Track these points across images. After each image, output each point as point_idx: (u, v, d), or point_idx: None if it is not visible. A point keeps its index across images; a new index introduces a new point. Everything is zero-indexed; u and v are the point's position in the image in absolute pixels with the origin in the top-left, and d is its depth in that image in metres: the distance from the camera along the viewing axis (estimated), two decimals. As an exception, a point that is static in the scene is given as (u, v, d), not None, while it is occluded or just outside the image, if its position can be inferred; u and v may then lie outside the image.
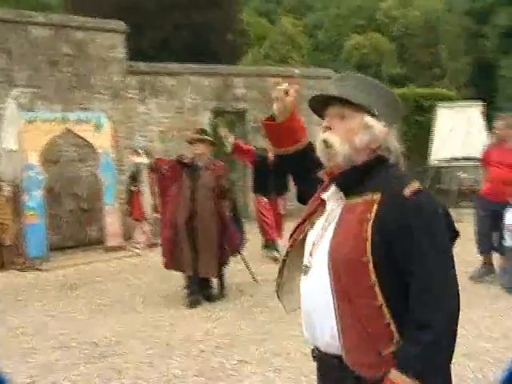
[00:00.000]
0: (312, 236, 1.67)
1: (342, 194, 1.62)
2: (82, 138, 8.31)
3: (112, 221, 8.48)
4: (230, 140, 6.87)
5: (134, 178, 8.51)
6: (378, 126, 1.60)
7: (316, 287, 1.60)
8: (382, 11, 49.69)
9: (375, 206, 1.50)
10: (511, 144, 5.80)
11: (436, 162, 11.03)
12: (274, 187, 7.35)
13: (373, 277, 1.47)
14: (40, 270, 7.40)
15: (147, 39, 19.78)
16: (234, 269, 6.28)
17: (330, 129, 1.63)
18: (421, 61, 40.43)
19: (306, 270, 1.64)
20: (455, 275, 1.51)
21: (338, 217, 1.59)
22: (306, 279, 1.65)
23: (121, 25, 9.26)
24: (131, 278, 6.87)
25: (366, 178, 1.59)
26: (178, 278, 6.60)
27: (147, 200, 8.55)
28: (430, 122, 12.88)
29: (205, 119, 10.20)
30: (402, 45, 39.99)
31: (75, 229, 8.89)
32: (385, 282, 1.48)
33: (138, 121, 9.54)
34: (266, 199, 7.50)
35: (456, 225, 1.63)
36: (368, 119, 1.60)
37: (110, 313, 5.49)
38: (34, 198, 7.75)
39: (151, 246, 8.64)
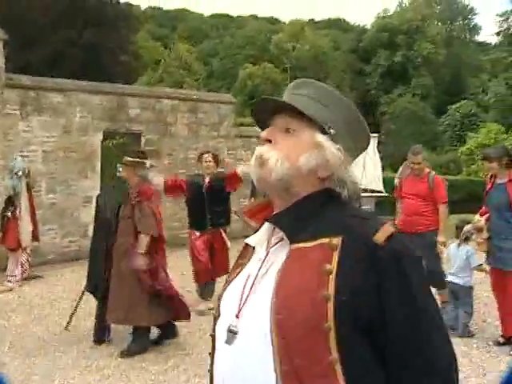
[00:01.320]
0: (235, 289, 1.22)
1: (282, 234, 1.20)
2: None
3: (-19, 251, 7.42)
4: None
5: (11, 202, 7.56)
6: (331, 149, 1.21)
7: (248, 362, 1.13)
8: (274, 43, 51.60)
9: (336, 254, 1.12)
10: (423, 176, 5.77)
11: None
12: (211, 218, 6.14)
13: (334, 351, 1.08)
14: None
15: (37, 55, 18.64)
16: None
17: (270, 142, 1.24)
18: (310, 94, 42.16)
19: (229, 336, 1.17)
20: (448, 335, 1.18)
21: (281, 265, 1.16)
22: (229, 350, 1.17)
23: (-1, 31, 8.32)
24: (-1, 320, 5.93)
25: (316, 215, 1.20)
26: (55, 319, 5.82)
27: (25, 226, 7.61)
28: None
29: (96, 140, 9.42)
30: (294, 77, 41.47)
31: None
32: (350, 357, 1.09)
33: (17, 139, 8.56)
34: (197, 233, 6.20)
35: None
36: (320, 137, 1.22)
37: (-30, 365, 4.60)
38: None
39: (28, 278, 7.68)
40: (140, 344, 4.89)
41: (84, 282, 5.46)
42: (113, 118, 9.57)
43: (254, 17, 68.89)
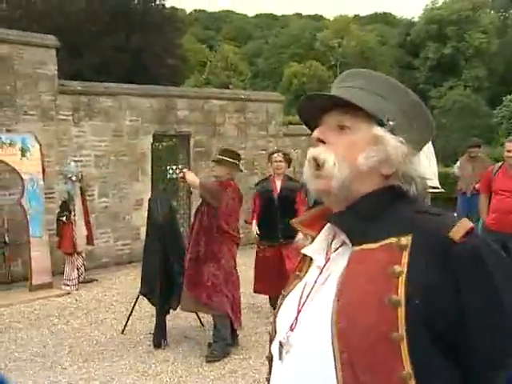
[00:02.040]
0: (291, 303, 1.10)
1: (345, 237, 1.07)
2: (5, 162, 7.38)
3: (39, 255, 7.53)
4: None
5: (66, 207, 7.66)
6: (392, 143, 1.08)
7: (305, 380, 1.00)
8: (320, 40, 51.14)
9: (406, 255, 0.98)
10: None
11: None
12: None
13: (407, 365, 0.93)
14: (-51, 314, 6.37)
15: (85, 62, 19.09)
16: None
17: (324, 143, 1.11)
18: (357, 90, 41.61)
19: (282, 351, 1.05)
20: None
21: (343, 270, 1.03)
22: (284, 367, 1.04)
23: (51, 39, 8.45)
24: (57, 323, 5.97)
25: (381, 214, 1.06)
26: (112, 323, 5.83)
27: (80, 231, 7.70)
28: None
29: (146, 143, 9.47)
30: (340, 73, 41.05)
31: (-4, 264, 7.86)
32: (427, 371, 0.94)
33: (70, 144, 8.69)
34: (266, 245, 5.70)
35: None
36: (379, 131, 1.09)
37: (29, 371, 4.62)
38: None
39: (84, 282, 7.77)
40: (221, 347, 4.78)
41: (138, 286, 5.44)
42: (162, 121, 9.59)
43: (299, 15, 68.56)
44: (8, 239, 7.84)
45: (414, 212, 1.05)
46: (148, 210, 5.32)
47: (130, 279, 7.73)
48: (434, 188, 11.17)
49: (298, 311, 1.05)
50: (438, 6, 49.43)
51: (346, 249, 1.06)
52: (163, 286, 4.88)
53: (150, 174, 9.50)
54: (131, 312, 5.49)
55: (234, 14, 68.86)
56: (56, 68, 8.47)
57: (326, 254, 1.10)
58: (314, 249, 1.14)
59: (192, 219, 5.12)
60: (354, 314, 0.96)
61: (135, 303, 5.48)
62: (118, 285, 7.74)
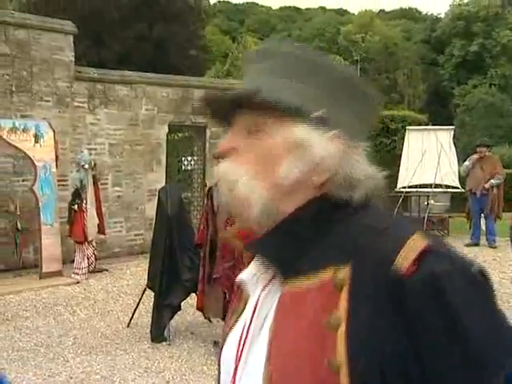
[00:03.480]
0: (231, 348, 0.88)
1: (272, 270, 0.85)
2: (18, 148, 7.32)
3: (50, 242, 7.47)
4: None
5: (78, 195, 7.59)
6: (321, 142, 0.82)
7: None
8: (343, 35, 50.69)
9: (344, 296, 0.74)
10: None
11: (404, 188, 10.47)
12: None
13: None
14: (-42, 299, 6.34)
15: (108, 50, 19.08)
16: (185, 303, 5.40)
17: (234, 151, 0.86)
18: (379, 85, 41.06)
19: None
20: None
21: (273, 318, 0.81)
22: None
23: (68, 24, 8.36)
24: (64, 313, 5.89)
25: (315, 236, 0.81)
26: (118, 315, 5.73)
27: (91, 219, 7.62)
28: (397, 145, 12.46)
29: (161, 134, 9.35)
30: (362, 69, 40.50)
31: (7, 250, 7.82)
32: None
33: (85, 132, 8.61)
34: None
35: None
36: (299, 130, 0.82)
37: (31, 362, 4.53)
38: (-43, 215, 6.71)
39: (94, 271, 7.70)
40: None
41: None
42: (178, 111, 9.46)
43: (323, 9, 67.98)
44: (20, 226, 7.79)
45: (355, 228, 0.79)
46: (158, 201, 5.19)
47: (141, 270, 7.62)
48: (453, 188, 10.95)
49: (236, 366, 0.85)
50: (465, 2, 48.58)
51: (276, 285, 0.83)
52: (164, 280, 4.74)
53: (164, 164, 9.39)
54: (137, 305, 5.38)
55: (258, 6, 68.50)
56: (73, 54, 8.39)
57: (261, 287, 0.87)
58: (249, 277, 0.90)
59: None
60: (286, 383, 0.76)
61: (142, 296, 5.36)
62: (128, 276, 7.65)
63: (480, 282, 0.73)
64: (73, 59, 8.41)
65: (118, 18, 19.64)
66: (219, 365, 0.93)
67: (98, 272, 7.77)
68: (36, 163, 7.38)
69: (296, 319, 0.77)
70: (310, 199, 0.83)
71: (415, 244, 0.73)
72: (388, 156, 12.87)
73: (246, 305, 0.90)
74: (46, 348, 4.84)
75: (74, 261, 7.59)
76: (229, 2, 69.17)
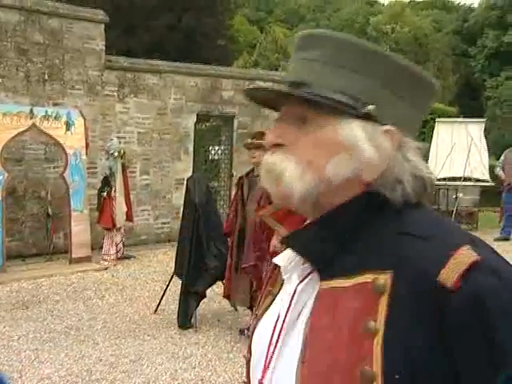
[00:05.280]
0: (264, 333, 0.87)
1: (309, 266, 0.83)
2: (50, 135, 7.46)
3: (79, 229, 7.62)
4: None
5: (107, 183, 7.70)
6: (371, 141, 0.79)
7: None
8: (373, 25, 50.08)
9: (384, 303, 0.72)
10: None
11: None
12: None
13: None
14: (-8, 282, 6.52)
15: (138, 40, 19.22)
16: (211, 291, 5.47)
17: (281, 145, 0.84)
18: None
19: None
20: None
21: (309, 314, 0.79)
22: None
23: (99, 14, 8.45)
24: (93, 298, 6.02)
25: (357, 235, 0.79)
26: (146, 301, 5.82)
27: (120, 207, 7.73)
28: (426, 137, 12.32)
29: (189, 123, 9.41)
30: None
31: (39, 235, 8.01)
32: None
33: (115, 120, 8.72)
34: None
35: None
36: (349, 130, 0.80)
37: (62, 343, 4.65)
38: (-9, 200, 6.87)
39: (122, 258, 7.82)
40: None
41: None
42: (206, 100, 9.50)
43: (352, -2, 67.13)
44: (51, 212, 7.95)
45: (398, 233, 0.76)
46: (186, 190, 5.24)
47: (168, 258, 7.72)
48: (483, 181, 10.79)
49: (270, 355, 0.83)
50: (499, -9, 47.41)
51: (315, 278, 0.81)
52: (191, 267, 4.80)
53: (192, 153, 9.46)
54: (165, 291, 5.47)
55: (286, -4, 68.03)
56: (104, 43, 8.48)
57: (297, 277, 0.85)
58: (286, 262, 0.88)
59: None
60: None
61: (169, 283, 5.44)
62: (155, 263, 7.76)
63: None
64: (103, 48, 8.51)
65: (148, 8, 19.76)
66: (250, 347, 0.92)
67: (125, 259, 7.90)
68: (67, 150, 7.51)
69: (333, 319, 0.75)
70: (356, 196, 0.81)
71: (463, 258, 0.70)
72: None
73: (280, 290, 0.90)
74: (76, 331, 4.96)
75: (102, 247, 7.73)
76: (257, -8, 68.78)
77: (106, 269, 7.35)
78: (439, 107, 13.87)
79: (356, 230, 0.79)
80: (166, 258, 7.82)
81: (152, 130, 9.03)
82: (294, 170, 0.80)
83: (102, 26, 8.46)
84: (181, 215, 5.66)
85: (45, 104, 7.80)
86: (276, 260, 0.91)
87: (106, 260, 7.62)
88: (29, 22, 7.77)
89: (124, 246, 7.99)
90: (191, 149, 9.45)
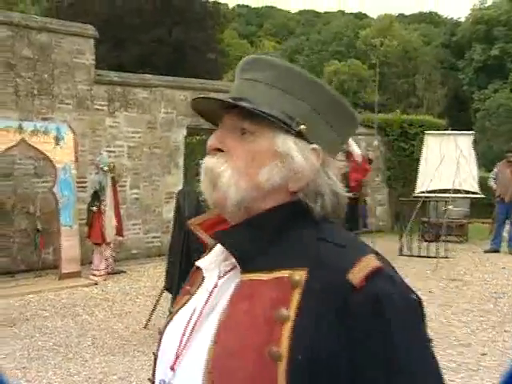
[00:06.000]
0: (177, 327, 0.92)
1: (234, 261, 0.89)
2: (39, 150, 7.42)
3: (69, 244, 7.56)
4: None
5: (97, 197, 7.67)
6: (300, 155, 0.90)
7: None
8: (362, 39, 50.50)
9: (296, 295, 0.81)
10: None
11: (423, 193, 10.39)
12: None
13: None
14: (-21, 298, 6.43)
15: (127, 54, 19.27)
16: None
17: (221, 151, 0.93)
18: (398, 90, 40.82)
19: None
20: None
21: (224, 305, 0.86)
22: None
23: (89, 29, 8.46)
24: (82, 314, 5.95)
25: (280, 237, 0.89)
26: (136, 316, 5.77)
27: (110, 221, 7.69)
28: (415, 149, 12.39)
29: (179, 136, 9.41)
30: (380, 73, 40.36)
31: (27, 251, 7.93)
32: None
33: (104, 135, 8.70)
34: None
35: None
36: (282, 142, 0.90)
37: (50, 361, 4.58)
38: (-21, 216, 6.81)
39: (112, 273, 7.76)
40: None
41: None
42: (196, 114, 9.47)
43: (342, 12, 67.83)
44: (40, 227, 7.89)
45: (318, 239, 0.86)
46: (176, 204, 5.22)
47: (159, 272, 7.66)
48: (473, 193, 10.85)
49: (180, 346, 0.88)
50: (486, 6, 48.13)
51: (235, 274, 0.89)
52: (181, 282, 4.76)
53: (182, 167, 9.45)
54: (155, 307, 5.42)
55: (276, 10, 68.59)
56: (93, 58, 8.49)
57: (218, 274, 0.93)
58: (207, 263, 0.97)
59: None
60: (229, 365, 0.80)
61: (159, 298, 5.40)
62: (145, 277, 7.70)
63: (416, 309, 0.83)
64: (93, 62, 8.52)
65: (138, 23, 19.84)
66: (159, 343, 0.96)
67: (115, 274, 7.84)
68: (56, 165, 7.47)
69: (249, 305, 0.82)
70: (282, 203, 0.90)
71: (368, 263, 0.81)
72: (406, 160, 12.80)
73: (197, 290, 0.95)
74: (65, 348, 4.89)
75: (92, 262, 7.67)
76: (247, 6, 69.36)
77: (95, 284, 7.28)
78: (428, 119, 13.96)
79: (279, 233, 0.89)
80: (156, 273, 7.76)
81: (142, 144, 9.02)
82: (230, 175, 0.89)
83: (92, 40, 8.47)
84: (171, 229, 5.64)
85: (34, 119, 7.77)
86: (198, 263, 0.99)
87: (95, 275, 7.55)
88: (17, 37, 7.76)
89: (114, 260, 7.93)
90: (181, 163, 9.45)
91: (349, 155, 6.03)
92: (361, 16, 64.82)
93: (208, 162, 0.93)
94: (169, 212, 8.95)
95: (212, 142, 0.94)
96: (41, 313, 5.96)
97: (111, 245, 7.83)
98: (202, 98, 0.97)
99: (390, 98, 35.54)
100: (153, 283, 7.21)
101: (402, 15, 61.99)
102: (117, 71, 9.51)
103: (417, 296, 0.84)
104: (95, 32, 8.50)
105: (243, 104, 0.89)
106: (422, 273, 8.06)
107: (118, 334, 5.31)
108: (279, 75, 0.93)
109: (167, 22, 20.79)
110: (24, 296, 6.59)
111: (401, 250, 9.51)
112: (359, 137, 11.19)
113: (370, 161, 6.07)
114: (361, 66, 46.55)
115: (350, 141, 6.12)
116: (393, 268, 0.86)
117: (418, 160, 11.23)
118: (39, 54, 7.96)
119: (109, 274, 7.70)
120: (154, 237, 9.21)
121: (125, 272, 7.97)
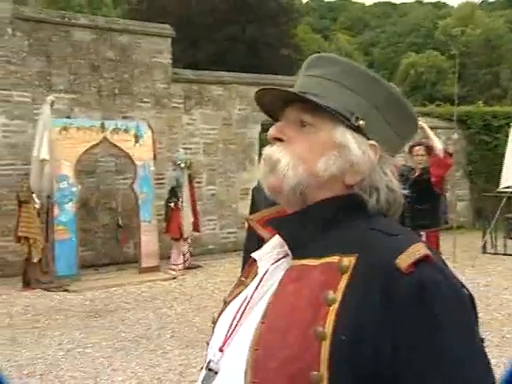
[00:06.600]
0: (229, 315, 0.95)
1: (286, 248, 0.93)
2: (120, 148, 7.70)
3: (148, 239, 7.80)
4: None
5: (174, 193, 7.86)
6: (358, 148, 0.92)
7: None
8: (441, 29, 48.67)
9: (344, 280, 0.83)
10: None
11: (508, 188, 9.86)
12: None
13: None
14: (67, 290, 6.76)
15: (202, 52, 19.66)
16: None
17: (281, 140, 0.96)
18: (480, 80, 38.98)
19: (208, 375, 0.91)
20: None
21: (274, 288, 0.89)
22: None
23: (167, 29, 8.68)
24: (162, 307, 6.12)
25: (333, 226, 0.91)
26: (213, 311, 5.84)
27: (187, 217, 7.86)
28: (500, 143, 11.79)
29: (254, 133, 9.46)
30: (461, 64, 38.81)
31: (110, 245, 8.27)
32: None
33: (181, 132, 8.90)
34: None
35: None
36: (342, 135, 0.93)
37: (133, 352, 4.74)
38: (66, 212, 7.15)
39: (189, 268, 7.94)
40: None
41: (240, 275, 5.41)
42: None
43: (419, 3, 65.75)
44: (122, 222, 8.19)
45: (368, 229, 0.88)
46: (251, 199, 5.23)
47: (234, 268, 7.71)
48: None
49: (231, 329, 0.91)
50: None
51: (287, 261, 0.92)
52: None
53: (257, 163, 9.48)
54: (231, 301, 5.47)
55: (350, 3, 67.50)
56: (171, 57, 8.69)
57: (271, 261, 0.96)
58: (262, 254, 0.99)
59: None
60: (274, 342, 0.82)
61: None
62: (221, 272, 7.81)
63: (466, 302, 0.82)
64: (170, 61, 8.72)
65: (212, 21, 20.16)
66: (213, 329, 0.99)
67: (192, 268, 8.01)
68: (136, 162, 7.72)
69: (298, 288, 0.85)
70: (338, 195, 0.93)
71: (419, 250, 0.82)
72: (490, 154, 12.21)
73: (253, 280, 0.97)
74: (146, 340, 5.04)
75: (170, 257, 7.87)
76: (321, 0, 68.73)
77: (174, 278, 7.47)
78: (514, 111, 13.24)
79: (332, 222, 0.91)
80: (232, 268, 7.84)
81: (217, 140, 9.15)
82: (288, 160, 0.92)
83: (169, 40, 8.67)
84: (246, 225, 5.67)
85: (115, 117, 8.07)
86: (253, 254, 1.00)
87: (173, 270, 7.74)
88: (101, 39, 8.08)
89: (191, 255, 8.09)
90: (256, 159, 9.49)
91: (429, 149, 5.79)
92: (440, 5, 62.55)
93: (267, 150, 0.97)
94: (244, 208, 9.01)
95: (272, 131, 0.97)
96: (123, 305, 6.18)
97: (188, 240, 7.99)
98: (269, 89, 0.98)
99: (471, 90, 34.00)
100: (229, 278, 7.29)
101: (485, 2, 59.25)
102: (192, 69, 9.70)
103: (469, 292, 0.84)
104: (172, 32, 8.70)
105: (310, 97, 0.92)
106: (508, 271, 7.69)
107: (196, 327, 5.41)
108: (342, 72, 0.96)
109: (241, 20, 21.00)
110: (108, 288, 6.87)
111: (484, 247, 9.11)
112: (438, 130, 10.79)
113: (450, 155, 5.82)
114: (439, 58, 44.93)
115: (432, 134, 5.89)
116: (443, 262, 0.87)
117: (502, 154, 10.67)
118: (120, 55, 8.25)
119: (186, 268, 7.87)
120: (229, 232, 9.32)
121: (201, 267, 8.12)
